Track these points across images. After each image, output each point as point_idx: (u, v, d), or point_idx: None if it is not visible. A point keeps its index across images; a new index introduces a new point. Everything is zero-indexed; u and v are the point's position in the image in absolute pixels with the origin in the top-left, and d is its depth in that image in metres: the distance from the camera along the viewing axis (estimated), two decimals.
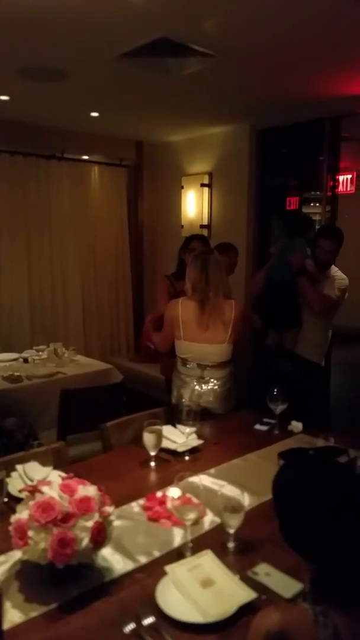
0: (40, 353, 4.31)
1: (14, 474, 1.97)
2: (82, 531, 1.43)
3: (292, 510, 1.13)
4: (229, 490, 1.76)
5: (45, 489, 1.51)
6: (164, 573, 1.48)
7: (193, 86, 3.83)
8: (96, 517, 1.46)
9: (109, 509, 1.53)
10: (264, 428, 2.64)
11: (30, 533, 1.42)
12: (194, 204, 5.64)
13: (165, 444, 2.32)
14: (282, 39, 3.00)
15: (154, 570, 1.53)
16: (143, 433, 2.23)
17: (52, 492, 1.49)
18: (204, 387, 2.94)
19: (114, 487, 1.84)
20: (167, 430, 2.38)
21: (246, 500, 1.70)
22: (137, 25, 2.81)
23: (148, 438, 2.22)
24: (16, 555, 1.52)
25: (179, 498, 1.72)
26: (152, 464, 2.24)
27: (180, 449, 2.34)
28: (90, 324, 5.91)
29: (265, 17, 2.70)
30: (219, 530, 1.70)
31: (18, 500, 1.66)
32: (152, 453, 2.24)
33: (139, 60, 3.28)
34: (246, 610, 1.33)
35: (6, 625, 1.31)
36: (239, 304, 3.02)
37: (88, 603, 1.40)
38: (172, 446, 2.35)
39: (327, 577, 1.11)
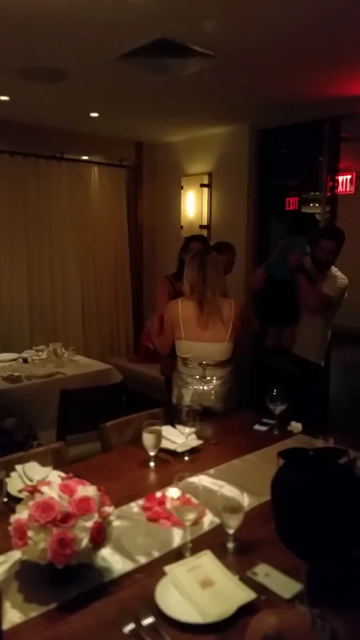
0: (40, 353, 4.31)
1: (13, 474, 1.97)
2: (82, 531, 1.43)
3: (291, 510, 1.13)
4: (229, 490, 1.76)
5: (44, 489, 1.51)
6: (164, 573, 1.48)
7: (193, 87, 3.84)
8: (96, 517, 1.46)
9: (109, 509, 1.53)
10: (264, 428, 2.65)
11: (30, 533, 1.42)
12: (193, 205, 5.64)
13: (165, 444, 2.32)
14: (281, 40, 3.00)
15: (153, 570, 1.53)
16: (142, 433, 2.23)
17: (51, 492, 1.49)
18: (205, 386, 2.94)
19: (114, 488, 1.84)
20: (167, 430, 2.38)
21: (246, 500, 1.70)
22: (137, 25, 2.81)
23: (147, 438, 2.22)
24: (16, 555, 1.52)
25: (178, 498, 1.72)
26: (152, 464, 2.24)
27: (179, 449, 2.34)
28: (90, 324, 5.91)
29: (264, 17, 2.70)
30: (218, 531, 1.70)
31: (17, 500, 1.66)
32: (152, 453, 2.24)
33: (138, 61, 3.28)
34: (245, 611, 1.33)
35: (6, 625, 1.31)
36: (238, 303, 3.04)
37: (87, 603, 1.40)
38: (171, 446, 2.35)
39: (323, 577, 1.11)
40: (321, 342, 3.74)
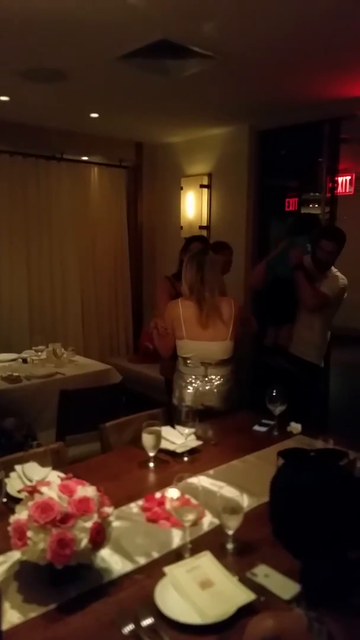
0: (39, 353, 4.31)
1: (12, 475, 1.97)
2: (81, 532, 1.43)
3: (289, 510, 1.14)
4: (228, 491, 1.76)
5: (44, 489, 1.51)
6: (163, 574, 1.48)
7: (193, 87, 3.84)
8: (95, 517, 1.46)
9: (108, 509, 1.53)
10: (263, 429, 2.65)
11: (29, 533, 1.42)
12: (193, 205, 5.65)
13: (164, 444, 2.32)
14: (281, 41, 3.00)
15: (152, 571, 1.53)
16: (142, 434, 2.23)
17: (51, 492, 1.49)
18: (207, 385, 2.94)
19: (113, 488, 1.84)
20: (166, 431, 2.38)
21: (245, 501, 1.70)
22: (137, 26, 2.81)
23: (147, 439, 2.22)
24: (15, 555, 1.52)
25: (177, 499, 1.72)
26: (151, 464, 2.24)
27: (179, 450, 2.34)
28: (89, 325, 5.91)
29: (264, 19, 2.70)
30: (217, 532, 1.70)
31: (17, 500, 1.66)
32: (151, 454, 2.24)
33: (139, 62, 3.28)
34: (245, 612, 1.33)
35: (5, 626, 1.31)
36: (237, 302, 3.07)
37: (87, 604, 1.40)
38: (171, 447, 2.35)
39: (318, 577, 1.11)
40: (320, 343, 3.74)
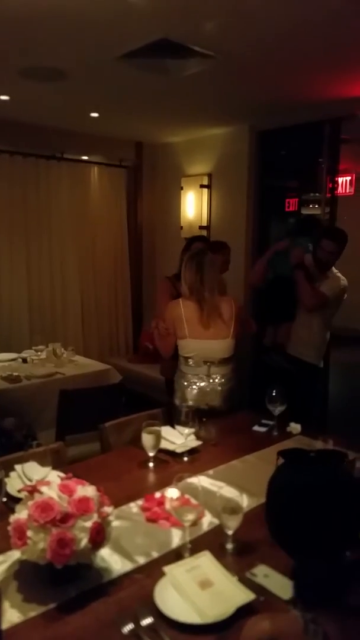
0: (39, 353, 4.32)
1: (12, 474, 1.97)
2: (81, 531, 1.43)
3: (287, 509, 1.14)
4: (228, 491, 1.76)
5: (44, 489, 1.51)
6: (163, 574, 1.48)
7: (193, 87, 3.84)
8: (95, 517, 1.46)
9: (108, 509, 1.53)
10: (263, 429, 2.65)
11: (29, 533, 1.42)
12: (193, 205, 5.65)
13: (164, 444, 2.32)
14: (282, 41, 3.00)
15: (152, 571, 1.53)
16: (142, 434, 2.23)
17: (51, 492, 1.49)
18: (210, 385, 2.95)
19: (113, 488, 1.84)
20: (166, 431, 2.38)
21: (245, 501, 1.70)
22: (137, 26, 2.81)
23: (147, 439, 2.22)
24: (15, 555, 1.52)
25: (177, 499, 1.72)
26: (151, 464, 2.24)
27: (179, 450, 2.34)
28: (89, 325, 5.91)
29: (265, 18, 2.70)
30: (217, 532, 1.70)
31: (17, 500, 1.66)
32: (151, 454, 2.24)
33: (139, 61, 3.28)
34: (244, 612, 1.33)
35: (5, 625, 1.31)
36: (237, 302, 3.10)
37: (86, 603, 1.40)
38: (170, 447, 2.35)
39: (311, 575, 1.11)
40: (319, 343, 3.74)
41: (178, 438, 2.39)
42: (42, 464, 1.84)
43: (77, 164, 5.72)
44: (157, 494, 1.96)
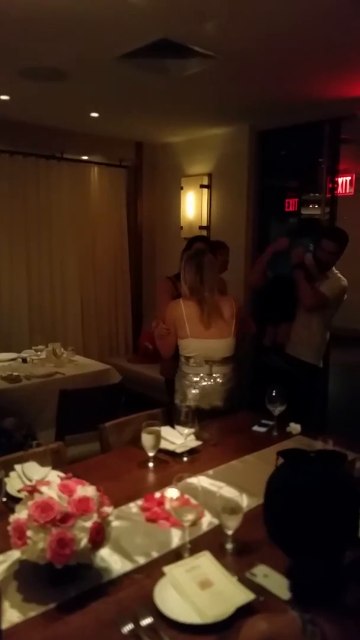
0: (39, 353, 4.32)
1: (12, 474, 1.97)
2: (81, 531, 1.43)
3: (286, 509, 1.14)
4: (228, 491, 1.77)
5: (44, 489, 1.51)
6: (162, 574, 1.48)
7: (193, 87, 3.84)
8: (95, 517, 1.46)
9: (108, 509, 1.53)
10: (263, 429, 2.65)
11: (29, 533, 1.42)
12: (193, 205, 5.65)
13: (164, 444, 2.32)
14: (282, 41, 3.01)
15: (152, 571, 1.53)
16: (141, 434, 2.23)
17: (51, 492, 1.49)
18: (212, 384, 2.96)
19: (112, 488, 1.84)
20: (166, 431, 2.38)
21: (244, 501, 1.70)
22: (137, 26, 2.82)
23: (146, 439, 2.22)
24: (15, 555, 1.52)
25: (177, 499, 1.72)
26: (151, 464, 2.24)
27: (178, 450, 2.34)
28: (89, 325, 5.91)
29: (265, 18, 2.70)
30: (217, 532, 1.70)
31: (17, 500, 1.67)
32: (151, 454, 2.24)
33: (139, 61, 3.28)
34: (244, 612, 1.33)
35: (5, 625, 1.31)
36: (237, 302, 3.11)
37: (86, 603, 1.40)
38: (170, 447, 2.35)
39: (306, 573, 1.11)
40: (318, 344, 3.74)
41: (178, 438, 2.39)
42: (42, 463, 1.84)
43: (77, 163, 5.72)
44: (157, 494, 1.96)
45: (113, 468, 2.24)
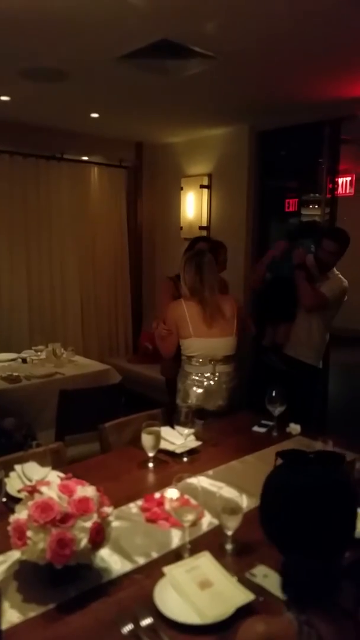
0: (39, 353, 4.32)
1: (12, 474, 1.97)
2: (81, 532, 1.43)
3: (282, 508, 1.14)
4: (228, 492, 1.77)
5: (44, 489, 1.51)
6: (162, 574, 1.48)
7: (193, 88, 3.84)
8: (95, 517, 1.46)
9: (108, 509, 1.53)
10: (262, 430, 2.65)
11: (29, 533, 1.42)
12: (193, 206, 5.65)
13: (164, 445, 2.32)
14: (282, 41, 3.01)
15: (152, 571, 1.53)
16: (141, 434, 2.23)
17: (50, 492, 1.50)
18: (216, 383, 2.96)
19: (112, 488, 1.84)
20: (166, 431, 2.38)
21: (244, 502, 1.70)
22: (137, 26, 2.82)
23: (146, 439, 2.22)
24: (15, 555, 1.52)
25: (177, 499, 1.72)
26: (150, 465, 2.24)
27: (178, 451, 2.34)
28: (89, 325, 5.91)
29: (265, 19, 2.70)
30: (217, 532, 1.70)
31: (17, 500, 1.67)
32: (151, 454, 2.24)
33: (139, 62, 3.28)
34: (244, 612, 1.33)
35: (4, 625, 1.31)
36: (237, 302, 3.14)
37: (86, 604, 1.40)
38: (170, 447, 2.35)
39: (300, 572, 1.12)
40: (318, 344, 3.74)
41: (178, 438, 2.39)
42: (42, 464, 1.84)
43: (77, 164, 5.72)
44: (157, 495, 1.96)
45: (113, 468, 2.24)
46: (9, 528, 1.47)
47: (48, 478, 1.74)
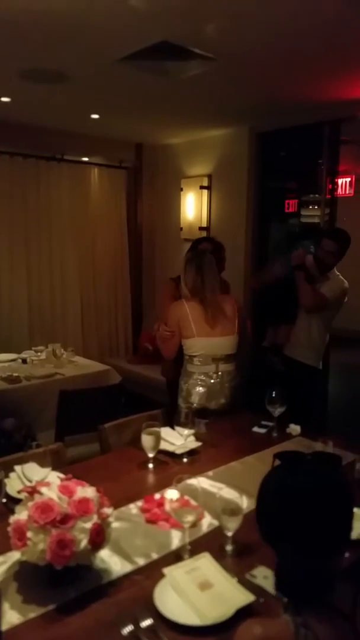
0: (39, 354, 4.32)
1: (12, 475, 1.97)
2: (81, 532, 1.43)
3: (278, 509, 1.14)
4: (228, 492, 1.77)
5: (44, 490, 1.51)
6: (162, 575, 1.48)
7: (193, 89, 3.85)
8: (95, 518, 1.46)
9: (108, 510, 1.53)
10: (262, 430, 2.65)
11: (29, 534, 1.42)
12: (193, 206, 5.65)
13: (164, 445, 2.32)
14: (282, 43, 3.01)
15: (152, 572, 1.53)
16: (141, 435, 2.23)
17: (50, 493, 1.49)
18: (219, 382, 2.97)
19: (112, 489, 1.84)
20: (166, 432, 2.38)
21: (244, 503, 1.70)
22: (137, 28, 2.82)
23: (146, 440, 2.22)
24: (15, 556, 1.52)
25: (177, 500, 1.72)
26: (150, 465, 2.24)
27: (178, 451, 2.34)
28: (89, 325, 5.91)
29: (265, 21, 2.71)
30: (217, 533, 1.70)
31: (17, 501, 1.66)
32: (150, 455, 2.24)
33: (139, 63, 3.29)
34: (244, 613, 1.33)
35: (4, 626, 1.31)
36: (237, 302, 3.16)
37: (86, 605, 1.40)
38: (170, 448, 2.35)
39: (294, 572, 1.12)
40: (318, 345, 3.74)
41: (178, 439, 2.39)
42: (42, 464, 1.85)
43: (78, 165, 5.72)
44: (157, 495, 1.96)
45: (113, 469, 2.24)
46: (9, 529, 1.47)
47: (48, 479, 1.74)
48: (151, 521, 1.82)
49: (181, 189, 5.77)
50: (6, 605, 1.38)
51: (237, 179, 5.22)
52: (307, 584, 1.10)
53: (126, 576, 1.53)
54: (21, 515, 1.47)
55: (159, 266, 6.24)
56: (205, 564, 1.53)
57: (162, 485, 2.04)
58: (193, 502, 1.79)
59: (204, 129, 5.25)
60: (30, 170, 5.28)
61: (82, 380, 3.91)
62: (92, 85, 3.85)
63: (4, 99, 4.21)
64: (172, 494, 1.78)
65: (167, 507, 1.80)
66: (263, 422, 2.68)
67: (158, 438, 2.24)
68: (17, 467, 1.97)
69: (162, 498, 1.92)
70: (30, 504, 1.46)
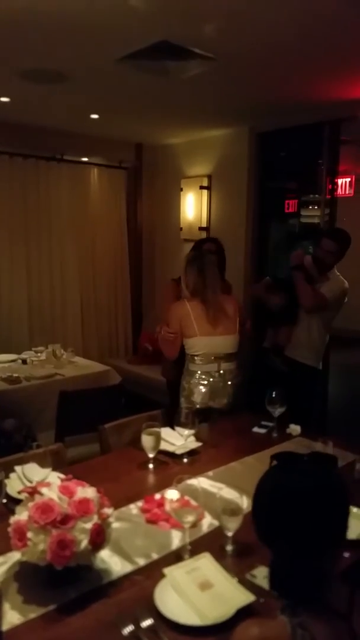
0: (39, 354, 4.32)
1: (12, 475, 1.97)
2: (81, 533, 1.43)
3: (273, 510, 1.14)
4: (228, 493, 1.77)
5: (44, 490, 1.51)
6: (163, 575, 1.48)
7: (193, 89, 3.84)
8: (95, 519, 1.47)
9: (108, 510, 1.53)
10: (262, 431, 2.65)
11: (30, 534, 1.42)
12: (193, 207, 5.65)
13: (164, 446, 2.32)
14: (282, 43, 3.01)
15: (152, 572, 1.53)
16: (141, 435, 2.23)
17: (51, 493, 1.50)
18: (221, 380, 2.98)
19: (112, 489, 1.84)
20: (166, 432, 2.38)
21: (245, 503, 1.70)
22: (137, 28, 2.82)
23: (146, 440, 2.23)
24: (15, 556, 1.52)
25: (177, 500, 1.73)
26: (151, 466, 2.24)
27: (178, 452, 2.34)
28: (89, 326, 5.91)
29: (265, 21, 2.71)
30: (217, 533, 1.70)
31: (17, 501, 1.66)
32: (151, 455, 2.24)
33: (139, 63, 3.28)
34: (244, 613, 1.33)
35: (5, 627, 1.31)
36: (238, 302, 3.21)
37: (86, 605, 1.40)
38: (170, 448, 2.35)
39: (288, 569, 1.12)
40: (318, 346, 3.74)
41: (178, 439, 2.39)
42: (42, 465, 1.85)
43: (77, 165, 5.72)
44: (157, 496, 1.96)
45: (113, 469, 2.24)
46: (10, 529, 1.47)
47: (48, 479, 1.74)
48: (151, 521, 1.82)
49: (181, 189, 5.77)
50: (7, 606, 1.38)
51: (237, 179, 5.22)
52: (302, 583, 1.10)
53: (126, 576, 1.53)
54: (21, 515, 1.47)
55: (158, 266, 6.24)
56: (205, 564, 1.53)
57: (163, 485, 2.04)
58: (193, 503, 1.79)
59: (204, 129, 5.25)
60: (30, 170, 5.28)
61: (82, 381, 3.91)
62: (92, 85, 3.85)
63: (4, 99, 4.21)
64: (172, 494, 1.78)
65: (168, 507, 1.80)
66: (263, 423, 2.68)
67: (158, 438, 2.25)
68: (18, 468, 1.97)
69: (163, 498, 1.93)
70: (30, 504, 1.46)
